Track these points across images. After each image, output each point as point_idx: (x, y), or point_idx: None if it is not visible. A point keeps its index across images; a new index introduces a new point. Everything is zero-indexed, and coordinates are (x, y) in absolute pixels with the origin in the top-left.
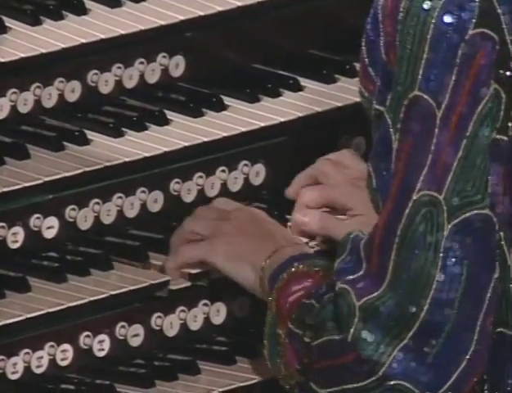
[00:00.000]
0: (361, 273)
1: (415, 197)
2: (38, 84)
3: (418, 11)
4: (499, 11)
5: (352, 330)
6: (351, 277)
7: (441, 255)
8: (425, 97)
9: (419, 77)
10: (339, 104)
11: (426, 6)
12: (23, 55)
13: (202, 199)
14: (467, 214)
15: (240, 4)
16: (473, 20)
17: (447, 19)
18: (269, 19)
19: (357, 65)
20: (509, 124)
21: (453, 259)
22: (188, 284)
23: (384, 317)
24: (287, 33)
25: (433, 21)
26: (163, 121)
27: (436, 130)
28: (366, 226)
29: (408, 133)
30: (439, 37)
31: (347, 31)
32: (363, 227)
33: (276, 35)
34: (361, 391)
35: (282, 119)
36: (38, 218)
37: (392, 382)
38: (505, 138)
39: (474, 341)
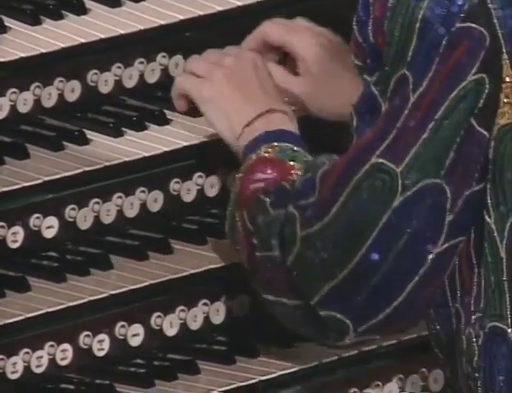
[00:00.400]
0: (311, 200)
1: (373, 161)
2: (37, 84)
3: (408, 0)
4: (490, 5)
5: (291, 257)
6: (303, 201)
7: (384, 218)
8: (410, 78)
9: (408, 59)
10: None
11: None
12: (23, 54)
13: (202, 199)
14: (419, 185)
15: (239, 4)
16: (462, 15)
17: (436, 10)
18: (269, 18)
19: None
20: (498, 122)
21: (395, 224)
22: None
23: (319, 253)
24: None
25: (422, 12)
26: (163, 121)
27: (406, 112)
28: (310, 85)
29: (389, 103)
30: (427, 28)
31: (346, 31)
32: (315, 93)
33: None
34: (293, 307)
35: None
36: (37, 217)
37: (322, 312)
38: (486, 134)
39: (401, 298)
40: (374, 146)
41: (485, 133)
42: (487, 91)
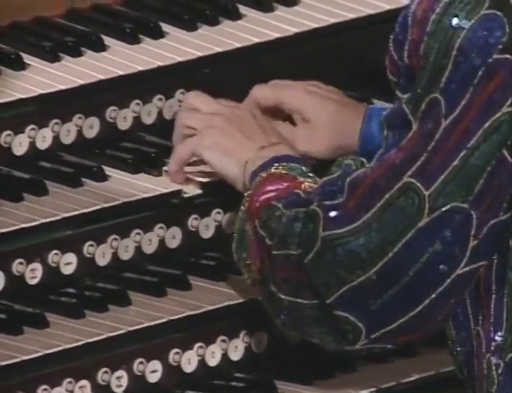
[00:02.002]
0: (338, 201)
1: (405, 180)
2: (56, 121)
3: (446, 26)
4: None
5: (310, 256)
6: (328, 202)
7: (410, 234)
8: (442, 103)
9: (442, 85)
10: None
11: (455, 23)
12: (42, 91)
13: (220, 235)
14: (446, 207)
15: (258, 40)
16: (499, 46)
17: (474, 40)
18: (287, 55)
19: (375, 101)
20: None
21: (418, 243)
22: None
23: (340, 256)
24: (304, 69)
25: (459, 40)
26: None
27: (437, 136)
28: (311, 134)
29: (421, 124)
30: (463, 57)
31: (363, 67)
32: (309, 134)
33: (294, 72)
34: (309, 308)
35: None
36: (56, 254)
37: (337, 312)
38: None
39: (417, 311)
40: (405, 165)
41: None
42: None
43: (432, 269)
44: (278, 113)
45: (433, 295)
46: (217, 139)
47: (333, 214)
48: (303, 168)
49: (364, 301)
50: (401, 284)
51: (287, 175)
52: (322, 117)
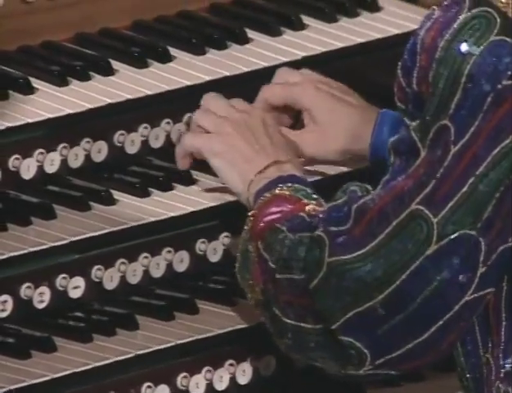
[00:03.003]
0: (344, 227)
1: (413, 207)
2: (64, 144)
3: (455, 53)
4: None
5: (315, 281)
6: (334, 228)
7: (418, 262)
8: (451, 129)
9: (451, 111)
10: None
11: (464, 51)
12: (50, 115)
13: (228, 259)
14: (455, 235)
15: (265, 65)
16: (509, 73)
17: (483, 67)
18: None
19: None
20: None
21: (426, 270)
22: None
23: (346, 281)
24: None
25: (469, 67)
26: (190, 181)
27: (446, 163)
28: (320, 136)
29: (430, 151)
30: (472, 83)
31: (371, 91)
32: (318, 136)
33: None
34: (314, 333)
35: None
36: (64, 278)
37: (342, 337)
38: None
39: (423, 338)
40: (414, 193)
41: None
42: None
43: (439, 297)
44: (288, 110)
45: (440, 322)
46: (226, 148)
47: (339, 240)
48: (308, 190)
49: (370, 327)
50: (408, 311)
51: (292, 197)
52: (331, 119)
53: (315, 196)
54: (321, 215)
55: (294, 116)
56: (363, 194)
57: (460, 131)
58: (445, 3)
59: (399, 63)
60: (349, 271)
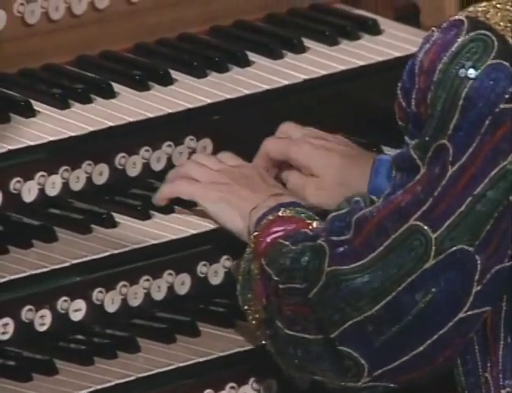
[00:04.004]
0: (345, 238)
1: (411, 222)
2: (66, 167)
3: (453, 76)
4: None
5: (315, 290)
6: (335, 238)
7: (415, 275)
8: (450, 149)
9: (449, 132)
10: None
11: (462, 74)
12: (51, 138)
13: (229, 282)
14: (451, 250)
15: (267, 87)
16: (506, 96)
17: (481, 90)
18: (296, 102)
19: (384, 147)
20: None
21: (423, 283)
22: None
23: (344, 291)
24: (313, 115)
25: (466, 90)
26: (191, 203)
27: (443, 182)
28: (319, 189)
29: (429, 169)
30: (470, 106)
31: (372, 114)
32: (317, 188)
33: (303, 118)
34: (314, 344)
35: None
36: (65, 300)
37: (340, 347)
38: None
39: (418, 350)
40: (412, 209)
41: None
42: None
43: (434, 311)
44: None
45: (435, 337)
46: (222, 194)
47: (340, 250)
48: (310, 212)
49: (367, 337)
50: (403, 323)
51: (294, 217)
52: (328, 173)
53: (317, 217)
54: (323, 225)
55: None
56: (366, 205)
57: (458, 152)
58: (443, 25)
59: (399, 84)
60: (347, 281)
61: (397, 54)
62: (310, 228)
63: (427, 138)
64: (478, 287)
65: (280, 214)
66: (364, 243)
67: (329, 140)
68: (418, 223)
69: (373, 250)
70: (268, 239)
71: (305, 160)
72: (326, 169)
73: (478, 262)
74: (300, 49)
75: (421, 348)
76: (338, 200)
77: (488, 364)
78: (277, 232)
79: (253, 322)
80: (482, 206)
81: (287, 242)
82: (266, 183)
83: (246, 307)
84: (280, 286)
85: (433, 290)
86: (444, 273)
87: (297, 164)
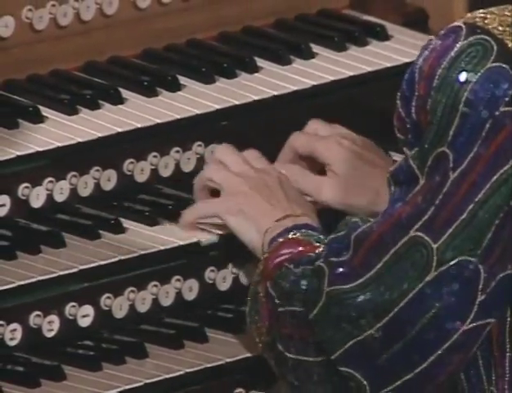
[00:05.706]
0: (344, 258)
1: (412, 234)
2: (74, 173)
3: (453, 80)
4: None
5: (315, 311)
6: (334, 259)
7: (417, 288)
8: (450, 156)
9: (449, 138)
10: None
11: (462, 78)
12: (59, 144)
13: (238, 287)
14: (454, 261)
15: (275, 93)
16: (506, 99)
17: (480, 94)
18: (304, 108)
19: (392, 153)
20: None
21: (425, 297)
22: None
23: (345, 310)
24: (322, 121)
25: (466, 94)
26: None
27: (444, 189)
28: (335, 187)
29: (428, 179)
30: (470, 110)
31: (380, 120)
32: (334, 186)
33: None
34: (315, 366)
35: None
36: (73, 306)
37: (341, 368)
38: None
39: (421, 368)
40: (412, 220)
41: None
42: None
43: (438, 325)
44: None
45: (439, 352)
46: (242, 206)
47: (339, 270)
48: (321, 236)
49: (369, 356)
50: (406, 339)
51: (303, 241)
52: (349, 175)
53: (326, 241)
54: (322, 248)
55: (320, 164)
56: (364, 224)
57: (458, 158)
58: (442, 32)
59: (398, 93)
60: (348, 300)
61: (406, 60)
62: (316, 251)
63: (426, 146)
64: (482, 297)
65: (290, 236)
66: (364, 261)
67: (356, 142)
68: (419, 233)
69: (373, 266)
70: (275, 261)
71: (329, 158)
72: (349, 170)
73: (482, 271)
74: (308, 55)
75: (424, 365)
76: (348, 204)
77: (493, 378)
78: (284, 254)
79: (260, 346)
80: (484, 213)
81: (291, 265)
82: (287, 197)
83: (254, 327)
84: (280, 309)
85: (437, 304)
86: (447, 285)
87: (322, 161)
